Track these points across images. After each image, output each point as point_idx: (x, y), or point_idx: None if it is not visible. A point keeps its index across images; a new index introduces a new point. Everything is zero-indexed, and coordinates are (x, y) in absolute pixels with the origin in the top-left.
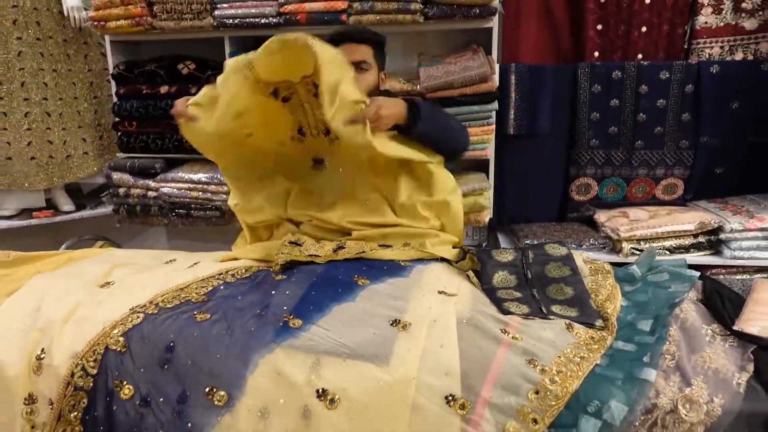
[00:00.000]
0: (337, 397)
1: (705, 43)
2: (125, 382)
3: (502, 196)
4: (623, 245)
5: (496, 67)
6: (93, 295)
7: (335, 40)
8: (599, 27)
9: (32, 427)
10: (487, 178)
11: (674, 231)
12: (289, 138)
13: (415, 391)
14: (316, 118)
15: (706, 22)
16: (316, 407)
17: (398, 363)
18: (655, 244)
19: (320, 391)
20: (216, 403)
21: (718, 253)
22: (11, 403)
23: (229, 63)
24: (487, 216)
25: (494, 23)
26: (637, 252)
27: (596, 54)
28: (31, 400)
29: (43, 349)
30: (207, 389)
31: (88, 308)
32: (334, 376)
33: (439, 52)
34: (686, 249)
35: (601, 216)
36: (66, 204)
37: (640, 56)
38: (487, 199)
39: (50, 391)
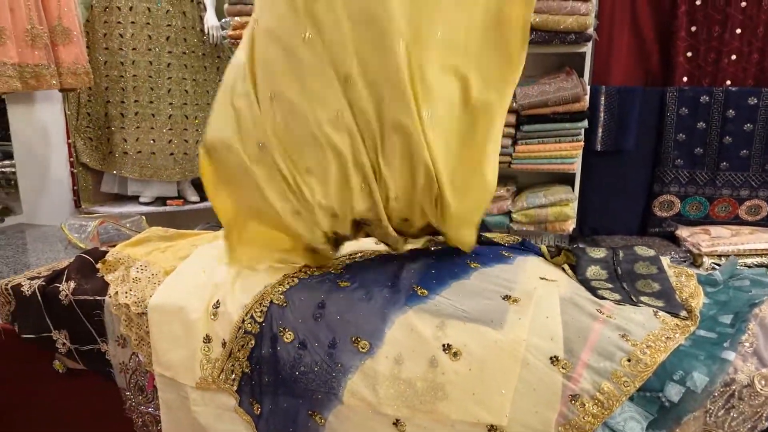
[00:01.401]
0: (459, 351)
1: None
2: (287, 329)
3: (585, 208)
4: (704, 260)
5: (588, 88)
6: None
7: None
8: (689, 54)
9: (207, 361)
10: (573, 190)
11: (756, 249)
12: None
13: (525, 350)
14: None
15: None
16: (441, 358)
17: (511, 327)
18: None
19: (445, 345)
20: (360, 349)
21: None
22: (193, 340)
23: None
24: (570, 225)
25: (588, 48)
26: (717, 267)
27: (685, 79)
28: (207, 339)
29: (218, 300)
30: (353, 338)
31: (251, 272)
32: (456, 334)
33: (535, 72)
34: None
35: (683, 231)
36: (192, 195)
37: (728, 82)
38: (572, 209)
39: (224, 333)
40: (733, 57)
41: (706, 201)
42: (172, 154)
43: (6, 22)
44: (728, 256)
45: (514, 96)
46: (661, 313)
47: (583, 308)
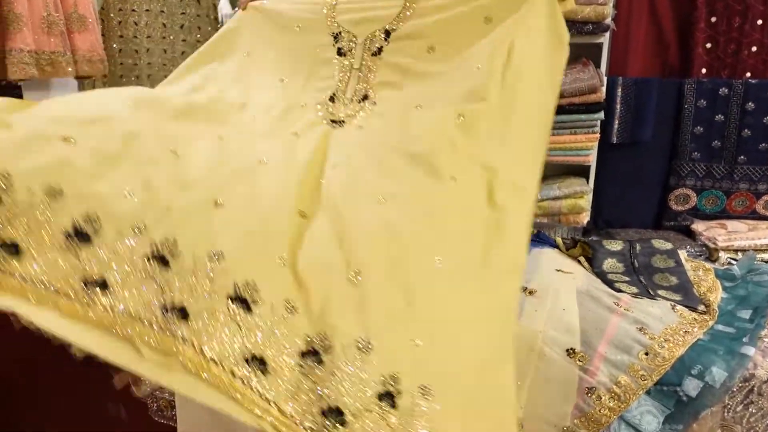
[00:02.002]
0: None
1: None
2: None
3: (600, 200)
4: (720, 254)
5: (605, 79)
6: None
7: None
8: (708, 45)
9: None
10: (587, 183)
11: None
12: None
13: (542, 342)
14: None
15: None
16: None
17: (528, 319)
18: None
19: None
20: None
21: None
22: None
23: None
24: (585, 218)
25: (605, 38)
26: (734, 262)
27: (704, 71)
28: None
29: None
30: None
31: None
32: None
33: None
34: None
35: (698, 226)
36: None
37: (748, 74)
38: (587, 202)
39: None
40: (754, 48)
41: (723, 195)
42: None
43: (23, 9)
44: (745, 251)
45: None
46: (678, 306)
47: (600, 301)
